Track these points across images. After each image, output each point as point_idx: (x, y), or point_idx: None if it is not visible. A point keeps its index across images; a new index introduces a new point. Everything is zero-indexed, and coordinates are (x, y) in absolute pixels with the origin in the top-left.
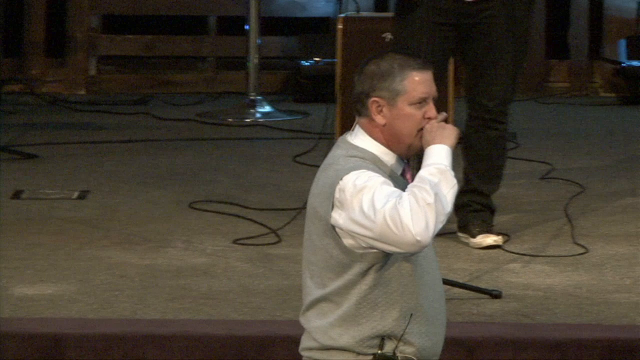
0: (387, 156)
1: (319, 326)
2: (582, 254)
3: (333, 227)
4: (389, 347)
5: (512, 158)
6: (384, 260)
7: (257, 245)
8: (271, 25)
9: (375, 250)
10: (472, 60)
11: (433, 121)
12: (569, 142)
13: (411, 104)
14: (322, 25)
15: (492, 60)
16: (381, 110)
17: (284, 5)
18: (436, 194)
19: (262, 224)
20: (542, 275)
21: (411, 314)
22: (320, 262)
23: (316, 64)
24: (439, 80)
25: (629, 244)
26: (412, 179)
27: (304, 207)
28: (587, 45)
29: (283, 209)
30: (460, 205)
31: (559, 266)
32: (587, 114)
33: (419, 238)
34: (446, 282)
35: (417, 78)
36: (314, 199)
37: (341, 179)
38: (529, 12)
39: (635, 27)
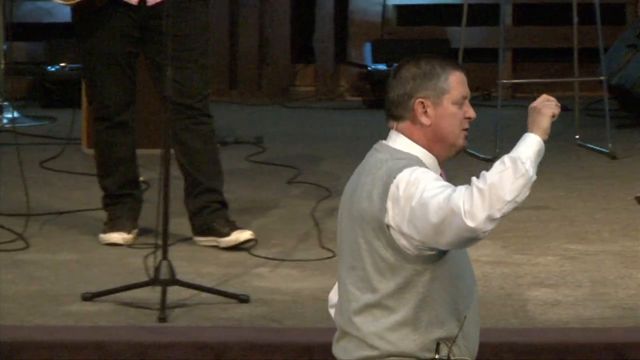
0: (429, 159)
1: (375, 332)
2: (329, 258)
3: (387, 227)
4: (443, 351)
5: (259, 162)
6: (437, 262)
7: (5, 251)
8: (18, 30)
9: (428, 253)
10: (159, 61)
11: (548, 97)
12: (316, 146)
13: (454, 103)
14: (68, 31)
15: (182, 59)
16: (426, 111)
17: (30, 11)
18: (492, 182)
19: (9, 230)
20: (289, 280)
21: (465, 316)
22: (368, 266)
23: (62, 69)
24: (130, 83)
25: None
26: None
27: (53, 213)
28: (333, 49)
29: (30, 215)
30: (197, 209)
31: (307, 270)
32: (333, 117)
33: (469, 223)
34: (194, 286)
35: (458, 77)
36: (360, 204)
37: (395, 177)
38: (207, 7)
39: (381, 31)
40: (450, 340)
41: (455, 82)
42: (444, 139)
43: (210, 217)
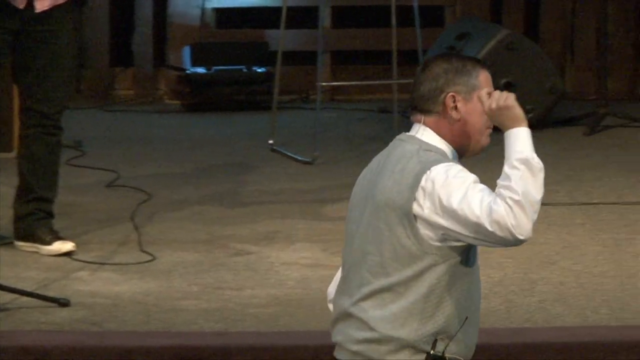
0: (452, 154)
1: (379, 316)
2: (149, 261)
3: (415, 216)
4: (439, 346)
5: (78, 166)
6: (458, 256)
7: None
8: None
9: (452, 244)
10: (32, 67)
11: (496, 92)
12: (135, 150)
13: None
14: None
15: (55, 68)
16: (456, 106)
17: None
18: (523, 191)
19: None
20: (110, 283)
21: (466, 317)
22: (387, 253)
23: None
24: None
25: (196, 251)
26: None
27: None
28: (152, 52)
29: None
30: (24, 214)
31: (127, 274)
32: (152, 121)
33: (521, 237)
34: (14, 290)
35: (487, 76)
36: (387, 192)
37: (429, 169)
38: (81, 20)
39: (199, 34)
40: (449, 337)
41: (485, 80)
42: (470, 135)
43: (35, 224)
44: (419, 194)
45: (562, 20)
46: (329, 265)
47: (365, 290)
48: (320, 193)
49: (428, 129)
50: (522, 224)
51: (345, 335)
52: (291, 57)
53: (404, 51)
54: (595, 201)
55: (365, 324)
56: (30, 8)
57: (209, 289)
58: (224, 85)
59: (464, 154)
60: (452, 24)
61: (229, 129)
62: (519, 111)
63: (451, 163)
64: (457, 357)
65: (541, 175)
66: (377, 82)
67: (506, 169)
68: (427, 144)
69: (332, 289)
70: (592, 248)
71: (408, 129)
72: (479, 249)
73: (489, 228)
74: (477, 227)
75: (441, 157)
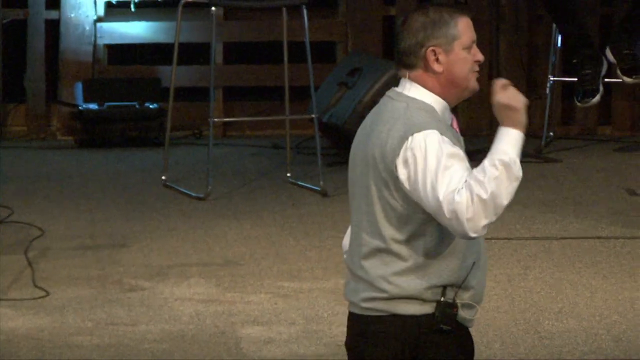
0: (440, 106)
1: (382, 275)
2: (43, 297)
3: (398, 179)
4: (449, 294)
5: None
6: None
7: None
8: None
9: None
10: None
11: (511, 89)
12: (28, 186)
13: (464, 48)
14: None
15: None
16: (437, 59)
17: None
18: (492, 191)
19: None
20: (4, 319)
21: (474, 262)
22: (378, 213)
23: None
24: None
25: (90, 287)
26: (459, 128)
27: None
28: (44, 88)
29: None
30: None
31: (21, 309)
32: (45, 157)
33: (471, 233)
34: None
35: (466, 22)
36: (375, 151)
37: (411, 135)
38: None
39: (92, 70)
40: (458, 286)
41: (464, 28)
42: (457, 84)
43: None
44: (399, 161)
45: None
46: (222, 300)
47: (365, 250)
48: (212, 229)
49: (415, 83)
50: (477, 221)
51: (354, 295)
52: (183, 93)
53: (296, 87)
54: (487, 237)
55: (371, 285)
56: None
57: (103, 325)
58: (117, 122)
59: (455, 101)
60: (344, 59)
61: (122, 165)
62: (523, 117)
63: (432, 130)
64: (470, 302)
65: (516, 184)
66: (269, 117)
67: (486, 163)
68: (414, 100)
69: (346, 241)
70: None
71: (302, 164)
72: None
73: (446, 215)
74: (437, 210)
75: (427, 118)
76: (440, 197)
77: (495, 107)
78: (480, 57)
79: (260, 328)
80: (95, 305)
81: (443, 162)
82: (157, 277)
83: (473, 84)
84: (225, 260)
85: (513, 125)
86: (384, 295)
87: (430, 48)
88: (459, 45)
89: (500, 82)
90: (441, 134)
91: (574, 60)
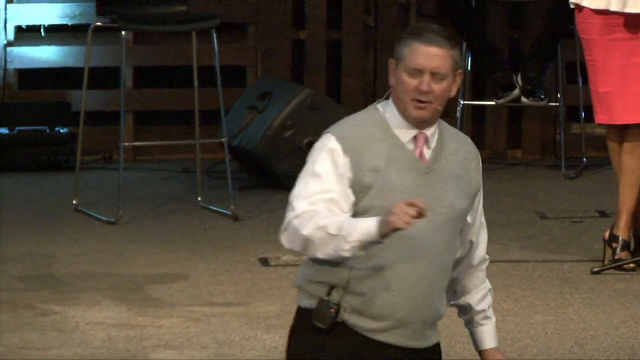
0: (398, 120)
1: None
2: None
3: None
4: (334, 295)
5: None
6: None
7: None
8: None
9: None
10: None
11: (402, 205)
12: None
13: (406, 71)
14: None
15: None
16: (392, 72)
17: None
18: (308, 238)
19: None
20: None
21: (375, 270)
22: None
23: None
24: None
25: (2, 311)
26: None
27: None
28: None
29: None
30: None
31: None
32: None
33: (281, 240)
34: None
35: (415, 48)
36: None
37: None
38: None
39: (1, 94)
40: (343, 288)
41: (413, 52)
42: (398, 105)
43: None
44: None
45: (363, 78)
46: (134, 324)
47: None
48: (123, 253)
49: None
50: (283, 237)
51: None
52: (94, 117)
53: (207, 111)
54: None
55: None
56: None
57: (15, 349)
58: (27, 146)
59: (411, 121)
60: (254, 83)
61: (33, 190)
62: (386, 230)
63: (327, 137)
64: (362, 309)
65: (330, 252)
66: (180, 142)
67: (335, 218)
68: (368, 111)
69: None
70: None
71: (213, 188)
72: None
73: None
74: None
75: (350, 124)
76: (291, 197)
77: (386, 216)
78: (421, 86)
79: (171, 352)
80: (7, 330)
81: (307, 175)
82: (68, 301)
83: (411, 112)
84: (137, 285)
85: (380, 224)
86: (296, 284)
87: (390, 59)
88: (402, 67)
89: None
90: (343, 140)
91: (485, 71)
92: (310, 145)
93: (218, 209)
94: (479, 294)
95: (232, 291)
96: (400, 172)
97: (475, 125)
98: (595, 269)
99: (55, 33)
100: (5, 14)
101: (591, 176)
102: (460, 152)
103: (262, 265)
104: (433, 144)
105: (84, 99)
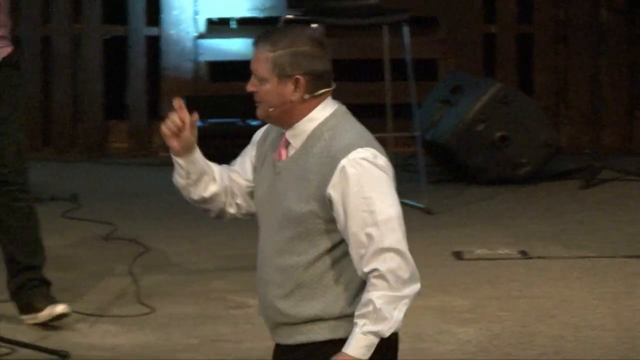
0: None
1: None
2: (147, 313)
3: None
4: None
5: (74, 219)
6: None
7: None
8: None
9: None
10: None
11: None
12: (131, 203)
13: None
14: None
15: (3, 135)
16: None
17: None
18: None
19: None
20: (108, 336)
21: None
22: None
23: None
24: None
25: (194, 304)
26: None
27: None
28: (146, 105)
29: None
30: (17, 287)
31: (126, 326)
32: (147, 174)
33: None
34: (13, 342)
35: (254, 50)
36: None
37: None
38: (21, 79)
39: (193, 87)
40: None
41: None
42: None
43: (28, 293)
44: None
45: (555, 74)
46: None
47: None
48: None
49: None
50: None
51: None
52: None
53: (398, 104)
54: (591, 255)
55: None
56: None
57: (208, 342)
58: (218, 138)
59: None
60: (445, 77)
61: None
62: None
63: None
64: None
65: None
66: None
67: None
68: None
69: None
70: (590, 302)
71: (405, 182)
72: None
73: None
74: None
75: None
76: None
77: None
78: (248, 87)
79: None
80: (200, 322)
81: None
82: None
83: (260, 112)
84: None
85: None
86: None
87: None
88: None
89: None
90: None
91: None
92: (503, 139)
93: (411, 203)
94: (363, 299)
95: (426, 285)
96: (265, 170)
97: None
98: None
99: (245, 25)
100: (196, 6)
101: None
102: (322, 157)
103: (456, 259)
104: (298, 145)
105: None
